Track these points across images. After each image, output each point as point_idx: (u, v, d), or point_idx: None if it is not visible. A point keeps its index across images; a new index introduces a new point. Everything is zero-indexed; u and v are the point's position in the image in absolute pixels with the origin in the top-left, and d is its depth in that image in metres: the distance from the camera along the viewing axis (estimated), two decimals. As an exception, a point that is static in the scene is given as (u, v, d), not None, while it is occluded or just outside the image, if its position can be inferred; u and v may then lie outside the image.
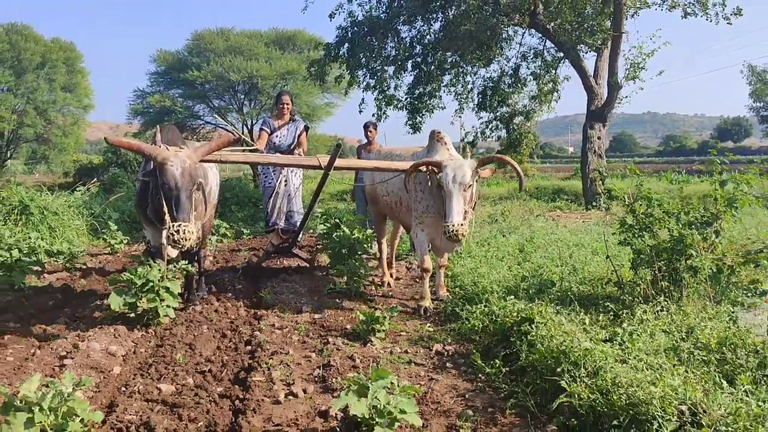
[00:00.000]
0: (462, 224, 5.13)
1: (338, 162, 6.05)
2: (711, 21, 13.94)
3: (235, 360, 4.39)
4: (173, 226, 4.43)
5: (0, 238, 7.01)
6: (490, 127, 19.26)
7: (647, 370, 3.08)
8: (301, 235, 7.96)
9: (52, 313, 5.65)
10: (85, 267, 8.15)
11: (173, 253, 5.34)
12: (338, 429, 3.14)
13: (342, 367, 4.07)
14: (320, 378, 3.95)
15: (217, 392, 3.76)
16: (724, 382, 2.99)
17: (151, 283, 4.98)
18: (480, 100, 18.68)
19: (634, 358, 3.26)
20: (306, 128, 7.91)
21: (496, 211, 13.35)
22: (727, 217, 4.71)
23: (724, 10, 13.78)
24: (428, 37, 15.58)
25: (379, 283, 6.94)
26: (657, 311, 4.13)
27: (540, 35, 16.74)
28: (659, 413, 2.70)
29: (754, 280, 4.90)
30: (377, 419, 2.85)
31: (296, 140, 7.73)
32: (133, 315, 5.04)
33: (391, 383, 3.02)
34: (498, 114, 19.02)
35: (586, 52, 15.97)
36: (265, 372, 4.02)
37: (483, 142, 21.57)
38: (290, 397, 3.65)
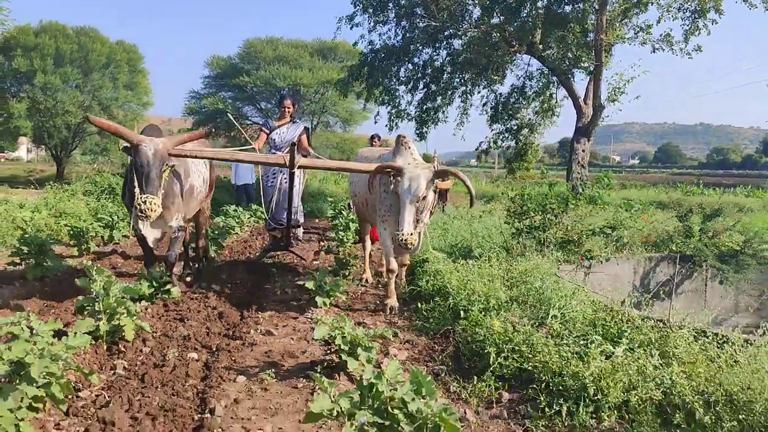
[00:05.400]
0: (411, 234, 5.28)
1: (305, 161, 6.46)
2: (676, 55, 16.50)
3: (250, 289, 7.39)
4: (140, 197, 4.88)
5: (105, 207, 10.18)
6: (501, 137, 21.92)
7: (465, 278, 5.92)
8: (302, 233, 8.55)
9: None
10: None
11: (150, 236, 5.70)
12: (304, 302, 6.08)
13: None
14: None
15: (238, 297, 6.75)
16: (503, 287, 5.78)
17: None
18: (493, 113, 21.40)
19: (464, 275, 6.09)
20: (306, 129, 8.19)
21: (487, 209, 16.14)
22: (558, 209, 7.48)
23: (686, 46, 16.31)
24: (437, 61, 18.51)
25: (359, 277, 7.53)
26: (504, 260, 6.92)
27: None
28: (460, 294, 5.53)
29: (589, 249, 7.70)
30: (320, 292, 5.76)
31: (297, 139, 7.83)
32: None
33: (329, 275, 5.93)
34: (508, 126, 21.71)
35: (573, 76, 18.60)
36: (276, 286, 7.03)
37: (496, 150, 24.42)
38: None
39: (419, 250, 6.17)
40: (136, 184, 5.07)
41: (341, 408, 2.54)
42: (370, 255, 7.94)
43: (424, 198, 5.50)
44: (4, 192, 20.37)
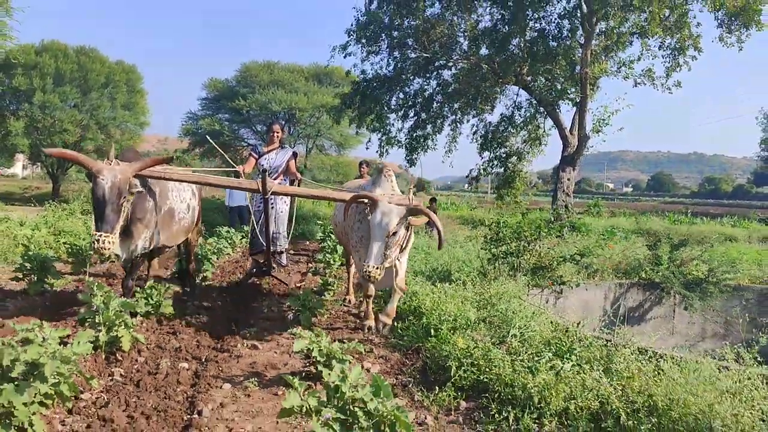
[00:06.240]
0: (376, 268, 5.30)
1: (279, 188, 6.63)
2: (657, 90, 17.19)
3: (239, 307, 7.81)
4: (95, 234, 4.81)
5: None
6: (490, 165, 22.47)
7: (439, 300, 6.36)
8: (285, 258, 8.56)
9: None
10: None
11: (120, 255, 5.65)
12: (290, 318, 6.50)
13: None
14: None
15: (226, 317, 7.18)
16: (473, 308, 6.22)
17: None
18: (483, 141, 21.97)
19: (438, 297, 6.53)
20: (294, 154, 8.21)
21: (473, 235, 16.62)
22: (530, 236, 7.96)
23: (667, 81, 17.00)
24: (428, 91, 19.17)
25: (342, 298, 7.84)
26: (477, 284, 7.37)
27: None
28: (433, 314, 5.96)
29: (560, 275, 8.17)
30: (305, 310, 6.20)
31: (285, 164, 7.98)
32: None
33: (313, 295, 6.37)
34: (497, 154, 22.26)
35: (559, 107, 19.25)
36: (263, 305, 7.46)
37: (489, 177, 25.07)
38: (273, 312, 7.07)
39: (390, 284, 6.19)
40: (93, 216, 4.95)
41: (309, 405, 2.98)
42: (354, 277, 7.95)
43: (395, 234, 5.46)
44: (2, 209, 20.79)
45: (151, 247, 5.99)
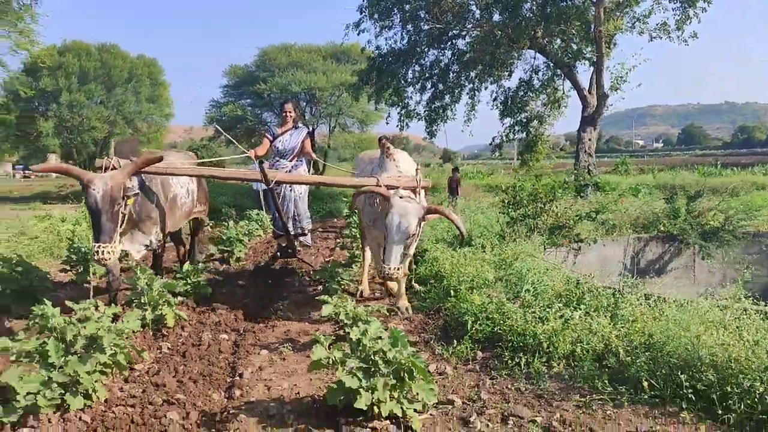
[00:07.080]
0: (398, 268, 5.16)
1: (282, 177, 6.48)
2: (673, 42, 17.12)
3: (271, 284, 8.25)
4: (94, 246, 4.89)
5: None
6: (512, 130, 22.55)
7: (458, 263, 6.71)
8: (311, 239, 8.49)
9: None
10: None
11: (136, 255, 6.03)
12: (319, 291, 6.91)
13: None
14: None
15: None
16: (491, 269, 6.56)
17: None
18: (503, 107, 22.06)
19: (457, 260, 6.88)
20: (309, 134, 7.99)
21: (494, 201, 16.87)
22: (546, 197, 8.23)
23: (682, 34, 16.92)
24: (443, 62, 19.33)
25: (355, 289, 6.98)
26: (495, 246, 7.70)
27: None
28: (453, 277, 6.31)
29: (578, 233, 8.44)
30: (333, 281, 6.59)
31: (300, 145, 7.73)
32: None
33: (341, 267, 6.77)
34: (518, 119, 22.33)
35: (576, 68, 19.24)
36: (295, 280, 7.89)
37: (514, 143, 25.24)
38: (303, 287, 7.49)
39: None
40: (91, 226, 5.00)
41: (335, 357, 3.37)
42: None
43: (413, 235, 5.27)
44: (38, 208, 21.61)
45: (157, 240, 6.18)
